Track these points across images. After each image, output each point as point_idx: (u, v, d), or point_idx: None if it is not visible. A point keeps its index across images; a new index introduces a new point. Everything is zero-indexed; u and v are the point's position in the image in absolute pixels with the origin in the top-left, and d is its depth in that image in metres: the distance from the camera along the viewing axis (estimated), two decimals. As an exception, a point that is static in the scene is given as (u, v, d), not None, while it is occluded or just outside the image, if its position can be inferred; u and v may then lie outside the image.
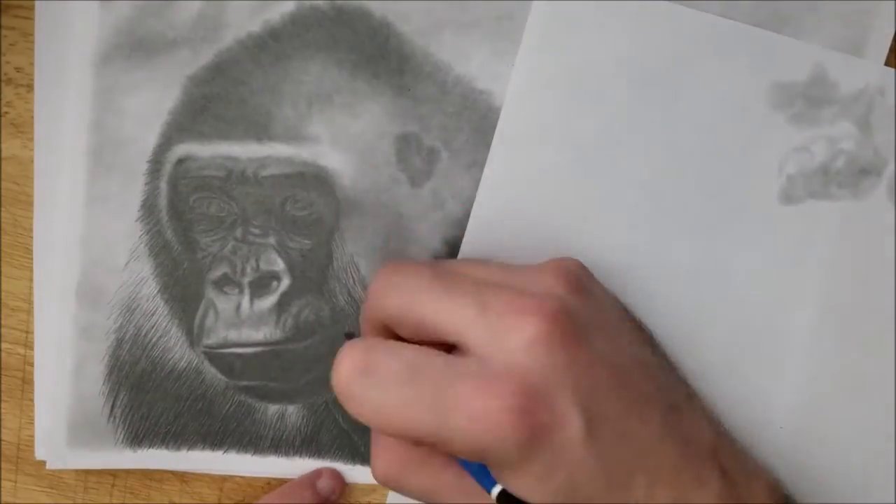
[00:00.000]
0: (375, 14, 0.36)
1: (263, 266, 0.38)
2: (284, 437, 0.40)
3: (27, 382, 0.39)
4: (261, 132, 0.37)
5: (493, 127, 0.37)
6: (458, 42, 0.36)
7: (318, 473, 0.40)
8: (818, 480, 0.38)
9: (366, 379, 0.31)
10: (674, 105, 0.37)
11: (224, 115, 0.37)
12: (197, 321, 0.38)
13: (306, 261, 0.38)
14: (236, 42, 0.36)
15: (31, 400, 0.39)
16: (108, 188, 0.37)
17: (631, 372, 0.33)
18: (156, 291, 0.38)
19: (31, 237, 0.38)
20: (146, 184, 0.37)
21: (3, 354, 0.39)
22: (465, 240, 0.38)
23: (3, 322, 0.39)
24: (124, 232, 0.37)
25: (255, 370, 0.39)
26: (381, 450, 0.34)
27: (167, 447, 0.39)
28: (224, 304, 0.38)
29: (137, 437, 0.39)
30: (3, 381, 0.39)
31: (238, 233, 0.38)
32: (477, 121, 0.37)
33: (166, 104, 0.36)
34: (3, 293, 0.39)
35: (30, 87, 0.37)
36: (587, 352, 0.32)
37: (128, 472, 0.40)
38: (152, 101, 0.36)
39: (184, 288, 0.38)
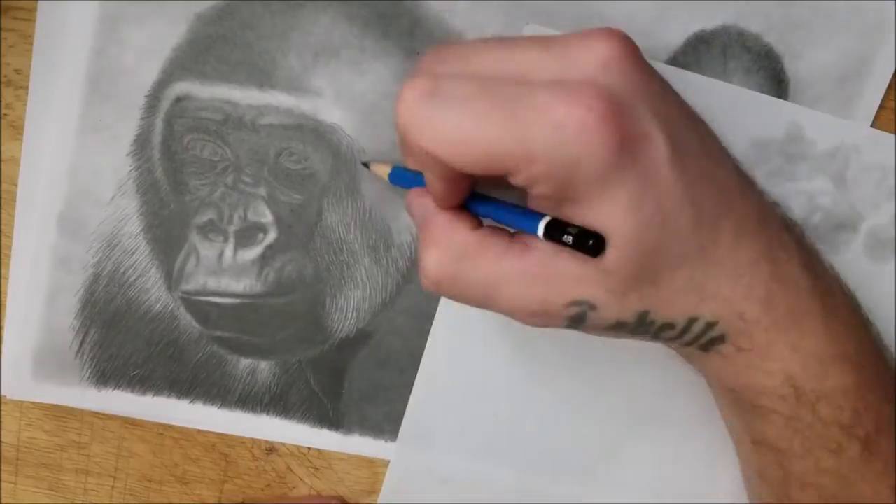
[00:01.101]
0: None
1: (251, 216, 0.37)
2: (253, 392, 0.39)
3: None
4: (263, 79, 0.36)
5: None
6: (472, 11, 0.36)
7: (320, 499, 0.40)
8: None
9: (433, 101, 0.28)
10: None
11: (228, 58, 0.36)
12: (177, 265, 0.37)
13: (295, 216, 0.37)
14: (249, -17, 0.36)
15: (32, 402, 0.39)
16: (102, 118, 0.36)
17: (698, 121, 0.31)
18: (139, 230, 0.37)
19: None
20: (142, 118, 0.36)
21: (3, 357, 0.38)
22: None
23: (3, 324, 0.38)
24: (114, 165, 0.36)
25: (230, 321, 0.38)
26: (433, 242, 0.31)
27: (133, 390, 0.38)
28: (207, 250, 0.37)
29: (104, 376, 0.38)
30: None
31: (229, 179, 0.37)
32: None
33: (171, 40, 0.36)
34: (2, 294, 0.38)
35: (29, 89, 0.36)
36: (659, 80, 0.30)
37: (127, 474, 0.40)
38: (157, 35, 0.36)
39: (168, 230, 0.37)
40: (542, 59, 0.29)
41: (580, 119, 0.27)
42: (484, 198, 0.32)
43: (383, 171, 0.36)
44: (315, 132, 0.37)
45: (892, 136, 0.37)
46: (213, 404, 0.39)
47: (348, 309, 0.39)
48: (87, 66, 0.36)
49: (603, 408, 0.40)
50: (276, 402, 0.39)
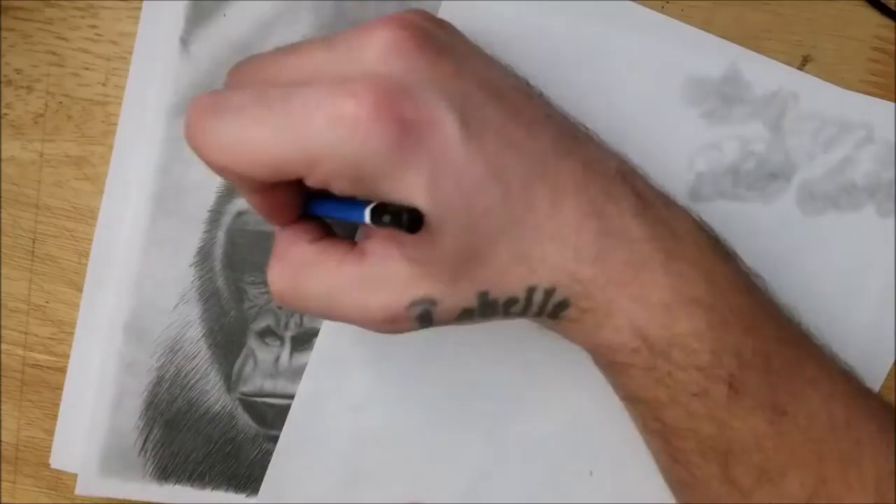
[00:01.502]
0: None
1: (307, 322, 0.39)
2: (307, 488, 0.40)
3: (26, 384, 0.40)
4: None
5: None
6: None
7: None
8: None
9: (212, 116, 0.28)
10: (589, 90, 0.36)
11: (287, 174, 0.37)
12: (236, 368, 0.39)
13: (349, 321, 0.39)
14: (308, 107, 0.37)
15: (30, 401, 0.40)
16: (166, 232, 0.38)
17: (508, 92, 0.31)
18: (200, 335, 0.39)
19: (31, 238, 0.38)
20: (204, 232, 0.38)
21: (3, 356, 0.40)
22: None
23: (2, 323, 0.39)
24: (177, 275, 0.38)
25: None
26: (276, 260, 0.31)
27: (192, 485, 0.40)
28: (264, 354, 0.39)
29: (165, 472, 0.40)
30: (2, 383, 0.40)
31: (286, 287, 0.39)
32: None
33: (233, 158, 0.37)
34: (2, 295, 0.39)
35: (29, 89, 0.37)
36: (451, 62, 0.29)
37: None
38: (220, 153, 0.37)
39: (228, 335, 0.39)
40: (328, 59, 0.29)
41: (352, 113, 0.26)
42: (324, 198, 0.31)
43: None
44: (369, 243, 0.38)
45: (833, 85, 0.37)
46: (268, 498, 0.40)
47: (399, 410, 0.40)
48: (153, 185, 0.37)
49: (479, 426, 0.39)
50: (328, 497, 0.41)
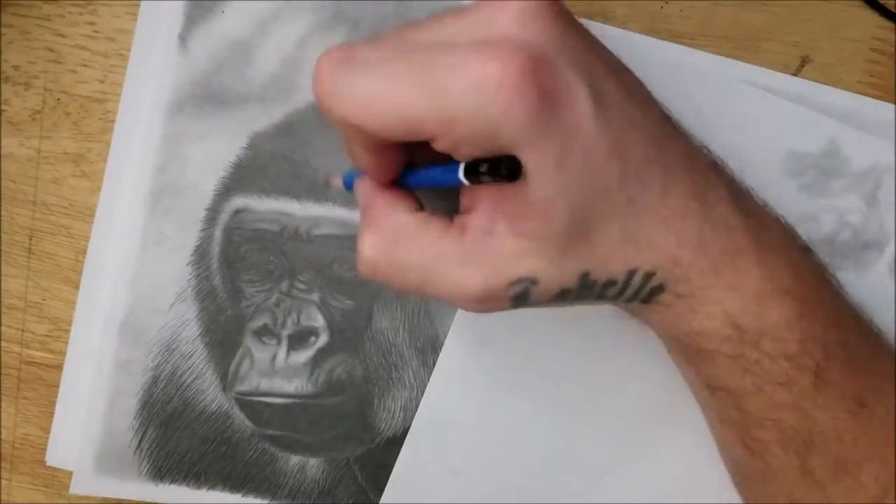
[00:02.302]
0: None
1: (304, 321, 0.39)
2: (303, 488, 0.40)
3: (22, 381, 0.40)
4: (318, 193, 0.37)
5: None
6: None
7: None
8: None
9: (347, 69, 0.27)
10: None
11: (285, 173, 0.37)
12: (232, 367, 0.39)
13: (346, 320, 0.39)
14: (307, 105, 0.37)
15: (27, 398, 0.40)
16: (163, 231, 0.37)
17: (622, 70, 0.30)
18: (196, 334, 0.39)
19: (28, 235, 0.38)
20: (201, 230, 0.38)
21: (0, 353, 0.39)
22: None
23: (0, 321, 0.40)
24: (174, 274, 0.38)
25: (282, 420, 0.39)
26: (370, 224, 0.30)
27: (188, 485, 0.40)
28: (260, 353, 0.39)
29: (161, 472, 0.39)
30: (0, 379, 0.40)
31: (283, 286, 0.38)
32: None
33: (230, 156, 0.37)
34: (0, 292, 0.39)
35: (27, 86, 0.37)
36: (579, 31, 0.29)
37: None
38: (217, 151, 0.37)
39: (224, 334, 0.39)
40: (460, 26, 0.28)
41: (497, 76, 0.26)
42: (416, 169, 0.31)
43: (338, 182, 0.35)
44: (367, 242, 0.38)
45: None
46: (263, 498, 0.40)
47: (395, 409, 0.40)
48: (151, 183, 0.37)
49: (614, 408, 0.39)
50: (324, 496, 0.40)
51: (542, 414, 0.40)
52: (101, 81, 0.37)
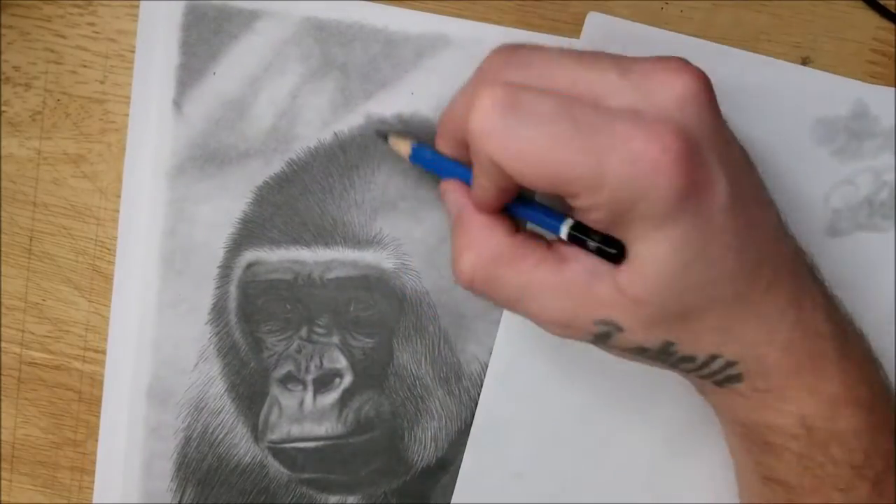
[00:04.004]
0: (440, 126, 0.37)
1: (327, 364, 0.39)
2: (344, 527, 0.41)
3: (23, 381, 0.40)
4: (328, 237, 0.38)
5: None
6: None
7: None
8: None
9: (512, 114, 0.28)
10: None
11: (292, 221, 0.38)
12: (262, 417, 0.39)
13: (368, 358, 0.39)
14: (307, 153, 0.37)
15: (27, 399, 0.40)
16: (178, 293, 0.38)
17: (751, 167, 0.32)
18: (223, 390, 0.39)
19: (29, 236, 0.38)
20: (216, 288, 0.38)
21: (0, 354, 0.40)
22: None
23: (0, 321, 0.39)
24: (194, 335, 0.38)
25: (316, 463, 0.40)
26: (470, 244, 0.31)
27: (231, 538, 0.40)
28: (288, 400, 0.39)
29: (202, 529, 0.40)
30: (0, 380, 0.40)
31: (303, 332, 0.39)
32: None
33: (237, 212, 0.38)
34: (0, 293, 0.39)
35: (27, 86, 0.37)
36: (724, 123, 0.30)
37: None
38: (223, 209, 0.37)
39: (250, 386, 0.39)
40: (619, 84, 0.29)
41: (655, 157, 0.27)
42: (520, 203, 0.32)
43: (404, 148, 0.35)
44: (380, 280, 0.38)
45: None
46: (307, 542, 0.41)
47: (426, 440, 0.40)
48: (161, 247, 0.37)
49: (672, 397, 0.40)
50: (366, 533, 0.41)
51: (596, 409, 0.40)
52: (102, 82, 0.37)
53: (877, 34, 0.38)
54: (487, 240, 0.31)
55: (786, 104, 0.35)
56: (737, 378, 0.31)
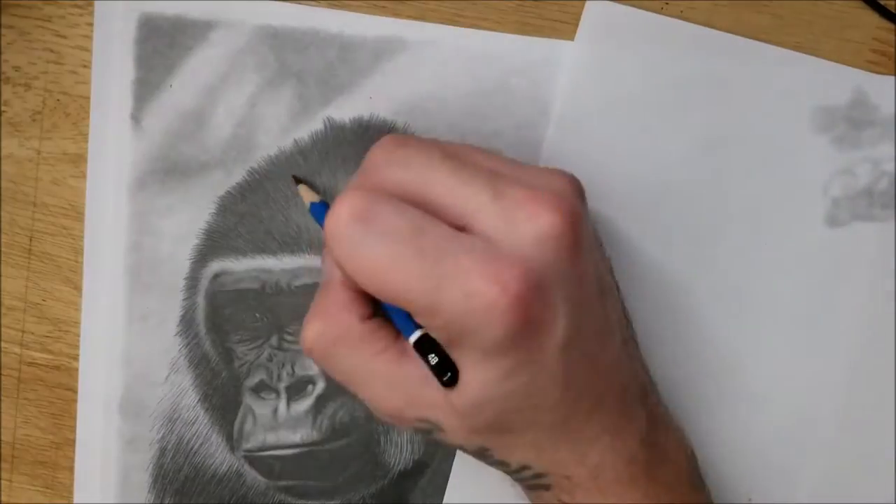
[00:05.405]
0: (399, 129, 0.37)
1: (299, 371, 0.39)
2: (324, 533, 0.41)
3: (23, 382, 0.40)
4: (293, 245, 0.38)
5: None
6: (480, 150, 0.37)
7: None
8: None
9: (364, 227, 0.28)
10: (718, 130, 0.37)
11: (257, 230, 0.38)
12: (236, 427, 0.39)
13: (340, 364, 0.39)
14: (268, 161, 0.37)
15: (27, 399, 0.40)
16: (147, 306, 0.38)
17: (606, 296, 0.32)
18: (196, 401, 0.39)
19: (29, 236, 0.39)
20: (184, 299, 0.38)
21: (0, 354, 0.40)
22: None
23: (0, 321, 0.40)
24: (164, 347, 0.38)
25: (293, 470, 0.40)
26: (323, 315, 0.32)
27: (210, 548, 0.40)
28: (262, 409, 0.39)
29: (182, 539, 0.40)
30: (0, 380, 0.40)
31: (273, 340, 0.39)
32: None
33: (201, 223, 0.38)
34: (0, 293, 0.39)
35: (27, 86, 0.37)
36: (583, 263, 0.30)
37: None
38: (187, 220, 0.38)
39: (223, 396, 0.39)
40: (489, 208, 0.29)
41: (493, 297, 0.28)
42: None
43: (307, 197, 0.36)
44: (348, 285, 0.38)
45: None
46: (287, 549, 0.41)
47: (402, 443, 0.40)
48: (126, 261, 0.37)
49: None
50: (346, 538, 0.41)
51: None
52: (101, 83, 0.37)
53: (877, 34, 0.38)
54: (339, 318, 0.31)
55: (785, 92, 0.35)
56: (545, 487, 0.33)
